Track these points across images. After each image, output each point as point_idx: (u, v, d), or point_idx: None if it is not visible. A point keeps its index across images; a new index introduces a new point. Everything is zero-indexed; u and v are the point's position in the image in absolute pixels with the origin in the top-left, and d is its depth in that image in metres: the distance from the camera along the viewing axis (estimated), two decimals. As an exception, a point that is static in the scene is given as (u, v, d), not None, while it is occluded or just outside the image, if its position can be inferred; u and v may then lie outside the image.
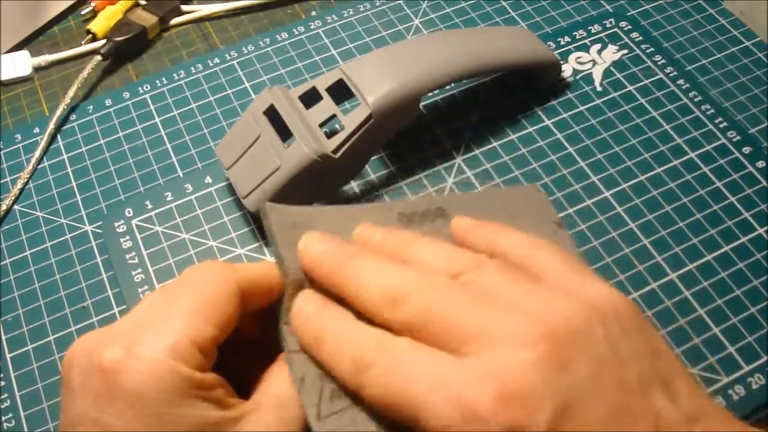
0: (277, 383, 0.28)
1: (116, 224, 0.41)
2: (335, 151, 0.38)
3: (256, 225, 0.41)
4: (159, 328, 0.26)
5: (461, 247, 0.28)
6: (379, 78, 0.39)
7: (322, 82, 0.40)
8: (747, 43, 0.48)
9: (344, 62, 0.41)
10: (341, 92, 0.40)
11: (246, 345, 0.32)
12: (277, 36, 0.50)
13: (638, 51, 0.48)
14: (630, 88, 0.46)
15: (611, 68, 0.47)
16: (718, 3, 0.50)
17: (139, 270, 0.40)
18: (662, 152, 0.43)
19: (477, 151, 0.43)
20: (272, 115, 0.39)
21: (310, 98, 0.40)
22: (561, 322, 0.24)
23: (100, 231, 0.41)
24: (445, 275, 0.26)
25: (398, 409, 0.24)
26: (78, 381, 0.25)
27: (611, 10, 0.50)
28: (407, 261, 0.27)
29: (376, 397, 0.25)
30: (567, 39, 0.49)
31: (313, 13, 0.51)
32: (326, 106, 0.39)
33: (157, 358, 0.25)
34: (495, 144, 0.44)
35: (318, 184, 0.39)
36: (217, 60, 0.49)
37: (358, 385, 0.25)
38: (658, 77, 0.46)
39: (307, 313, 0.28)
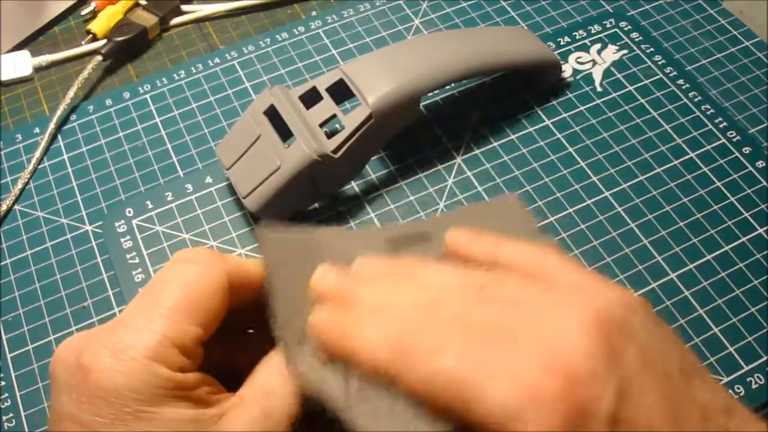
0: (265, 375, 0.28)
1: (117, 224, 0.41)
2: (335, 150, 0.38)
3: (257, 225, 0.41)
4: (140, 328, 0.26)
5: (463, 264, 0.28)
6: (380, 78, 0.39)
7: (323, 82, 0.40)
8: (747, 43, 0.48)
9: (344, 62, 0.41)
10: (341, 92, 0.40)
11: (246, 335, 0.32)
12: (278, 36, 0.50)
13: (638, 51, 0.48)
14: (630, 88, 0.46)
15: (611, 68, 0.47)
16: (718, 3, 0.50)
17: (140, 270, 0.40)
18: (662, 152, 0.43)
19: (477, 151, 0.43)
20: (272, 115, 0.39)
21: (311, 98, 0.40)
22: (605, 312, 0.24)
23: (100, 231, 0.41)
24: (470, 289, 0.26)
25: (446, 398, 0.24)
26: (62, 379, 0.26)
27: (611, 11, 0.50)
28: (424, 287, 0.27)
29: (420, 384, 0.24)
30: (567, 39, 0.49)
31: (313, 13, 0.51)
32: (326, 106, 0.39)
33: (136, 359, 0.25)
34: (495, 144, 0.44)
35: (318, 184, 0.39)
36: (217, 60, 0.49)
37: (396, 371, 0.25)
38: (658, 77, 0.46)
39: (326, 316, 0.27)
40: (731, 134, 0.44)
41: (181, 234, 0.41)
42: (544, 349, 0.23)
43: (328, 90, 0.40)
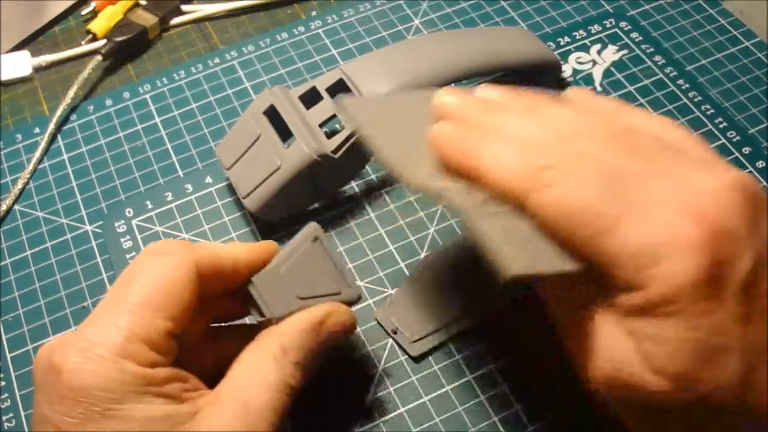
0: (242, 369, 0.27)
1: (116, 224, 0.41)
2: (335, 151, 0.38)
3: (257, 225, 0.41)
4: (106, 325, 0.26)
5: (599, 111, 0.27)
6: (379, 78, 0.39)
7: (323, 82, 0.40)
8: (747, 43, 0.48)
9: (344, 62, 0.41)
10: (341, 92, 0.40)
11: (232, 327, 0.32)
12: (277, 36, 0.50)
13: (638, 51, 0.48)
14: (630, 88, 0.46)
15: (611, 68, 0.47)
16: (718, 3, 0.50)
17: (140, 270, 0.40)
18: (662, 152, 0.43)
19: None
20: (272, 115, 0.39)
21: (310, 98, 0.40)
22: (750, 180, 0.23)
23: (100, 231, 0.41)
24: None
25: (577, 228, 0.22)
26: (38, 380, 0.26)
27: (611, 11, 0.50)
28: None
29: (551, 209, 0.23)
30: (567, 39, 0.49)
31: (314, 13, 0.51)
32: (326, 106, 0.39)
33: (104, 356, 0.25)
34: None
35: (318, 184, 0.39)
36: (217, 60, 0.49)
37: (526, 193, 0.23)
38: (658, 77, 0.46)
39: (451, 130, 0.26)
40: (731, 134, 0.43)
41: (181, 234, 0.41)
42: (689, 199, 0.22)
43: (328, 90, 0.40)
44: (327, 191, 0.41)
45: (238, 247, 0.30)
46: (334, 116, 0.39)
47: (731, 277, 0.21)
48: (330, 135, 0.39)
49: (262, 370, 0.27)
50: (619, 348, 0.23)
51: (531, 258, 0.23)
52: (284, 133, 0.38)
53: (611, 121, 0.26)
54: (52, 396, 0.25)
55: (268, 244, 0.31)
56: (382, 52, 0.41)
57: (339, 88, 0.40)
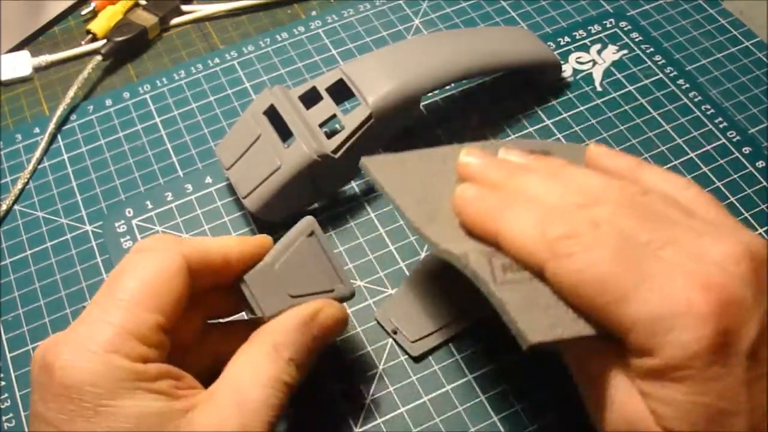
0: (236, 368, 0.27)
1: (116, 224, 0.41)
2: (335, 151, 0.38)
3: (257, 225, 0.41)
4: (97, 321, 0.26)
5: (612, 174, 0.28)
6: (380, 78, 0.39)
7: (323, 82, 0.40)
8: (747, 43, 0.48)
9: (344, 62, 0.41)
10: (341, 92, 0.40)
11: (228, 326, 0.32)
12: (277, 36, 0.50)
13: (638, 51, 0.48)
14: (630, 88, 0.46)
15: (611, 68, 0.47)
16: (718, 3, 0.50)
17: (140, 270, 0.40)
18: (662, 152, 0.43)
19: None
20: (272, 115, 0.39)
21: (310, 98, 0.40)
22: (756, 249, 0.24)
23: (100, 231, 0.41)
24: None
25: (594, 296, 0.23)
26: (33, 379, 0.26)
27: (611, 11, 0.50)
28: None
29: (569, 276, 0.24)
30: (567, 39, 0.49)
31: (313, 13, 0.51)
32: (326, 106, 0.39)
33: (94, 352, 0.25)
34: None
35: (318, 184, 0.39)
36: (217, 60, 0.49)
37: (544, 260, 0.24)
38: (658, 77, 0.46)
39: (474, 193, 0.27)
40: (731, 134, 0.43)
41: (181, 233, 0.41)
42: (699, 268, 0.23)
43: (328, 90, 0.40)
44: (327, 191, 0.41)
45: (229, 241, 0.30)
46: (334, 116, 0.39)
47: (738, 344, 0.23)
48: (330, 135, 0.39)
49: (256, 368, 0.27)
50: (632, 406, 0.24)
51: (551, 324, 0.24)
52: (284, 133, 0.38)
53: (628, 184, 0.27)
54: (46, 394, 0.25)
55: (263, 239, 0.31)
56: (382, 52, 0.41)
57: (339, 87, 0.40)
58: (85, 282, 0.39)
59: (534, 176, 0.27)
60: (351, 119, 0.39)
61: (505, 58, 0.42)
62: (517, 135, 0.44)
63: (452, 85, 0.45)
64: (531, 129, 0.44)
